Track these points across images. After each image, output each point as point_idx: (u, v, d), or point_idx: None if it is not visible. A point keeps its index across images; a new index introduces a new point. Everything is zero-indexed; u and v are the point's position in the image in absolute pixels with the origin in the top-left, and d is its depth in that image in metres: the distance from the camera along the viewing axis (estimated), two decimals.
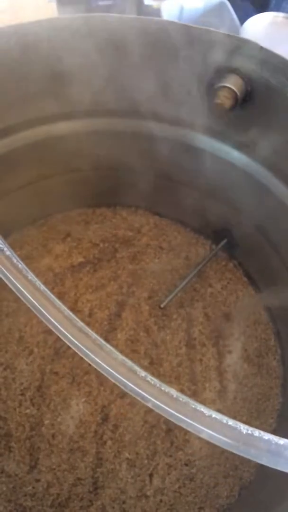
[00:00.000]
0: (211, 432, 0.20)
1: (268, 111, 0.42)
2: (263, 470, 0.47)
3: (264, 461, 0.20)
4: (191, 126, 0.49)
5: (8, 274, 0.23)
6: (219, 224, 0.60)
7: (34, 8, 0.73)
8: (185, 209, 0.62)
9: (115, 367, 0.22)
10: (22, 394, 0.50)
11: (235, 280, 0.61)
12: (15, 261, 0.23)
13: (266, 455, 0.20)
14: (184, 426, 0.21)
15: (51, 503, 0.45)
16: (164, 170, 0.56)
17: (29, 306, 0.23)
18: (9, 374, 0.51)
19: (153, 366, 0.53)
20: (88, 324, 0.53)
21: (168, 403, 0.21)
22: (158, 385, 0.21)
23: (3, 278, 0.23)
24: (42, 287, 0.23)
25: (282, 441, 0.20)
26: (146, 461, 0.47)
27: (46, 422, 0.49)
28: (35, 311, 0.22)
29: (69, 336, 0.22)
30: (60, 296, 0.57)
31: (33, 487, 0.46)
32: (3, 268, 0.23)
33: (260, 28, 0.69)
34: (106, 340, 0.22)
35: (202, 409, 0.21)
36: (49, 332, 0.52)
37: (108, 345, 0.22)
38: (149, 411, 0.49)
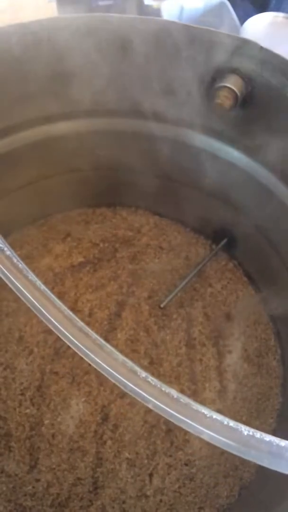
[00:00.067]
0: (211, 433, 0.20)
1: (268, 111, 0.42)
2: (263, 470, 0.47)
3: (265, 463, 0.20)
4: (191, 126, 0.49)
5: (8, 274, 0.23)
6: (219, 224, 0.60)
7: (34, 8, 0.73)
8: (185, 209, 0.62)
9: (116, 367, 0.22)
10: (22, 394, 0.50)
11: (235, 280, 0.61)
12: (15, 260, 0.23)
13: (267, 457, 0.20)
14: (184, 427, 0.21)
15: (51, 503, 0.45)
16: (164, 170, 0.56)
17: (29, 306, 0.23)
18: (9, 374, 0.51)
19: (153, 366, 0.53)
20: (88, 324, 0.53)
21: (168, 404, 0.21)
22: (158, 385, 0.21)
23: (3, 278, 0.23)
24: (42, 287, 0.23)
25: (283, 442, 0.20)
26: (146, 461, 0.47)
27: (46, 422, 0.49)
28: (35, 311, 0.22)
29: (69, 336, 0.22)
30: (60, 296, 0.57)
31: (33, 487, 0.46)
32: (3, 268, 0.23)
33: (260, 28, 0.69)
34: (106, 340, 0.22)
35: (202, 410, 0.21)
36: (49, 332, 0.52)
37: (108, 345, 0.22)
38: (149, 411, 0.49)
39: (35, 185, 0.57)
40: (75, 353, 0.22)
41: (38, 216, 0.64)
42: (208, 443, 0.21)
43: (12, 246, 0.24)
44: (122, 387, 0.21)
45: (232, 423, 0.20)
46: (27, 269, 0.23)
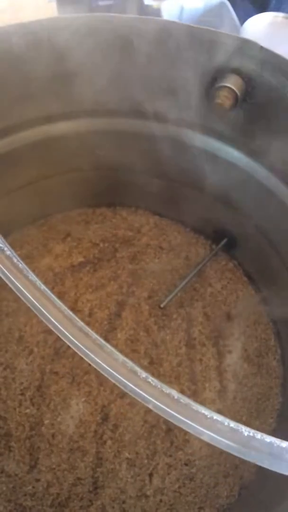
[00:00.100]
0: (212, 434, 0.20)
1: (268, 111, 0.42)
2: (263, 470, 0.47)
3: (265, 464, 0.20)
4: (191, 126, 0.49)
5: (8, 274, 0.23)
6: (219, 224, 0.60)
7: (34, 8, 0.73)
8: (185, 209, 0.62)
9: (116, 367, 0.22)
10: (22, 394, 0.50)
11: (235, 280, 0.61)
12: (15, 260, 0.23)
13: (268, 458, 0.20)
14: (185, 428, 0.21)
15: (51, 502, 0.45)
16: (164, 170, 0.56)
17: (29, 306, 0.23)
18: (9, 373, 0.51)
19: (153, 366, 0.53)
20: (88, 323, 0.53)
21: (169, 404, 0.21)
22: (159, 386, 0.21)
23: (3, 277, 0.23)
24: (43, 286, 0.23)
25: (284, 443, 0.20)
26: (146, 461, 0.47)
27: (46, 422, 0.49)
28: (35, 311, 0.22)
29: (69, 336, 0.22)
30: (60, 295, 0.57)
31: (33, 487, 0.46)
32: (3, 268, 0.23)
33: (260, 28, 0.69)
34: (106, 339, 0.22)
35: (203, 411, 0.21)
36: (49, 331, 0.52)
37: (108, 345, 0.22)
38: (149, 411, 0.49)
39: (35, 185, 0.57)
40: (75, 353, 0.22)
41: (38, 216, 0.64)
42: (208, 443, 0.21)
43: (12, 246, 0.24)
44: (122, 388, 0.21)
45: (232, 424, 0.20)
46: (27, 269, 0.23)
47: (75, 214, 0.66)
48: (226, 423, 0.20)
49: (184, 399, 0.21)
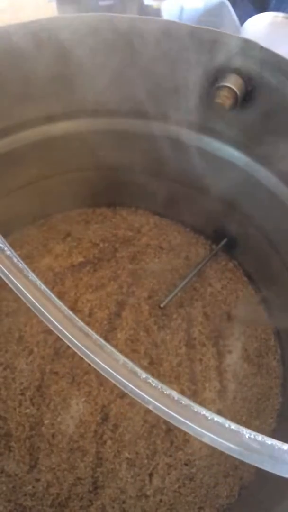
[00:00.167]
0: (212, 436, 0.20)
1: (268, 111, 0.42)
2: (263, 470, 0.47)
3: (267, 467, 0.19)
4: (191, 125, 0.49)
5: (8, 274, 0.23)
6: (219, 224, 0.60)
7: (34, 8, 0.73)
8: (185, 209, 0.62)
9: (116, 368, 0.21)
10: (22, 394, 0.50)
11: (235, 280, 0.61)
12: (15, 260, 0.23)
13: (269, 461, 0.19)
14: (185, 429, 0.20)
15: (51, 502, 0.45)
16: (164, 170, 0.56)
17: (29, 306, 0.23)
18: (9, 373, 0.51)
19: (153, 366, 0.53)
20: (88, 323, 0.53)
21: (169, 405, 0.21)
22: (159, 387, 0.21)
23: (3, 277, 0.23)
24: (43, 286, 0.23)
25: (285, 446, 0.19)
26: (146, 461, 0.47)
27: (46, 421, 0.49)
28: (35, 311, 0.22)
29: (70, 336, 0.22)
30: (60, 295, 0.57)
31: (33, 487, 0.46)
32: (3, 268, 0.23)
33: (260, 28, 0.69)
34: (106, 339, 0.22)
35: (203, 412, 0.20)
36: (49, 331, 0.52)
37: (109, 346, 0.22)
38: (149, 411, 0.49)
39: (35, 185, 0.57)
40: (75, 353, 0.22)
41: (38, 216, 0.64)
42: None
43: (12, 246, 0.24)
44: (122, 388, 0.21)
45: (233, 426, 0.20)
46: (27, 269, 0.23)
47: (75, 214, 0.66)
48: (227, 425, 0.20)
49: (185, 400, 0.21)
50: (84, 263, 0.61)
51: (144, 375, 0.21)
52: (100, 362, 0.22)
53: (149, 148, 0.53)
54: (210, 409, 0.21)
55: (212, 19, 0.74)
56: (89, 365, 0.22)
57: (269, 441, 0.20)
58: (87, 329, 0.22)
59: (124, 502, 0.46)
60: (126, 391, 0.21)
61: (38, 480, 0.46)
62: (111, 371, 0.21)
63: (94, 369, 0.22)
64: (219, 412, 0.50)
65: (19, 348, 0.53)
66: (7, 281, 0.23)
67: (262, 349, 0.56)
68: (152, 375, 0.21)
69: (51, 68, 0.44)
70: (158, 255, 0.63)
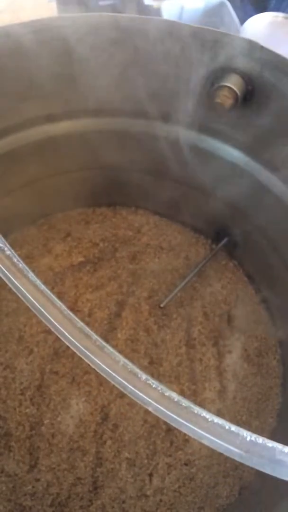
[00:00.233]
0: (212, 438, 0.20)
1: (268, 111, 0.42)
2: None
3: (267, 470, 0.19)
4: (191, 125, 0.49)
5: (8, 274, 0.23)
6: (219, 223, 0.60)
7: (34, 7, 0.72)
8: (185, 209, 0.62)
9: (116, 369, 0.21)
10: (22, 394, 0.50)
11: (235, 280, 0.61)
12: (15, 260, 0.23)
13: (269, 463, 0.19)
14: (185, 431, 0.20)
15: (51, 502, 0.45)
16: (164, 170, 0.56)
17: (29, 306, 0.23)
18: (9, 373, 0.51)
19: (153, 365, 0.53)
20: (88, 323, 0.53)
21: (169, 407, 0.21)
22: (159, 388, 0.21)
23: (3, 277, 0.23)
24: (43, 287, 0.23)
25: (286, 449, 0.19)
26: (146, 461, 0.47)
27: (46, 421, 0.49)
28: (35, 311, 0.22)
29: (69, 336, 0.22)
30: (60, 295, 0.57)
31: (33, 487, 0.46)
32: (3, 268, 0.23)
33: (260, 28, 0.69)
34: (106, 339, 0.22)
35: (203, 414, 0.20)
36: (49, 331, 0.52)
37: (109, 347, 0.22)
38: (149, 411, 0.49)
39: (35, 184, 0.57)
40: (75, 353, 0.22)
41: (38, 215, 0.64)
42: None
43: (12, 245, 0.24)
44: (122, 389, 0.21)
45: (233, 428, 0.20)
46: (27, 268, 0.23)
47: (75, 214, 0.66)
48: (227, 427, 0.20)
49: (185, 402, 0.21)
50: (84, 263, 0.61)
51: (144, 376, 0.21)
52: (100, 363, 0.22)
53: (150, 147, 0.53)
54: (210, 409, 0.21)
55: (212, 19, 0.74)
56: (89, 365, 0.22)
57: (270, 443, 0.19)
58: (87, 330, 0.22)
59: (124, 502, 0.46)
60: (126, 392, 0.21)
61: (38, 480, 0.46)
62: (111, 372, 0.21)
63: (94, 369, 0.22)
64: (219, 412, 0.50)
65: (19, 348, 0.53)
66: (7, 281, 0.23)
67: (262, 349, 0.56)
68: (152, 374, 0.21)
69: (51, 68, 0.44)
70: (158, 255, 0.63)
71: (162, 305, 0.56)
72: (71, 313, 0.22)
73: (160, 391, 0.21)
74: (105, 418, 0.49)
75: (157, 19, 0.42)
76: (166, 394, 0.21)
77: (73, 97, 0.48)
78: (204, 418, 0.20)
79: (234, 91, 0.40)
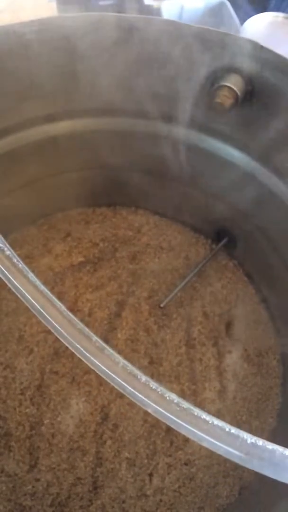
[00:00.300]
0: (212, 440, 0.20)
1: (269, 111, 0.42)
2: None
3: (267, 473, 0.19)
4: (191, 125, 0.49)
5: (8, 274, 0.23)
6: (219, 223, 0.60)
7: (34, 7, 0.72)
8: (185, 209, 0.62)
9: (115, 370, 0.21)
10: (22, 394, 0.50)
11: (235, 280, 0.61)
12: (15, 260, 0.23)
13: (270, 466, 0.19)
14: (185, 433, 0.20)
15: (51, 502, 0.45)
16: (165, 170, 0.56)
17: (28, 306, 0.23)
18: (9, 373, 0.51)
19: (153, 365, 0.53)
20: (87, 323, 0.53)
21: (169, 409, 0.20)
22: (159, 390, 0.21)
23: (3, 277, 0.23)
24: (42, 287, 0.23)
25: (287, 451, 0.19)
26: (146, 461, 0.47)
27: (46, 421, 0.49)
28: (34, 312, 0.22)
29: (69, 337, 0.22)
30: (60, 295, 0.57)
31: (33, 487, 0.46)
32: (3, 268, 0.23)
33: (260, 28, 0.68)
34: (106, 339, 0.22)
35: (203, 416, 0.20)
36: (49, 331, 0.52)
37: (108, 348, 0.22)
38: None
39: (35, 184, 0.57)
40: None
41: (38, 215, 0.64)
42: None
43: (12, 245, 0.24)
44: (121, 391, 0.21)
45: (234, 430, 0.20)
46: (27, 269, 0.23)
47: (75, 214, 0.66)
48: (227, 429, 0.20)
49: (185, 404, 0.20)
50: (84, 263, 0.61)
51: (143, 378, 0.21)
52: (100, 365, 0.21)
53: (150, 147, 0.53)
54: (210, 409, 0.21)
55: (212, 19, 0.74)
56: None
57: (270, 446, 0.19)
58: (87, 331, 0.22)
59: (124, 502, 0.46)
60: (125, 393, 0.21)
61: (38, 479, 0.46)
62: (110, 373, 0.21)
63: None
64: (219, 412, 0.50)
65: (19, 348, 0.53)
66: (6, 281, 0.23)
67: (262, 349, 0.56)
68: (152, 374, 0.21)
69: (51, 67, 0.44)
70: (158, 255, 0.63)
71: (162, 305, 0.56)
72: (70, 314, 0.22)
73: (160, 393, 0.21)
74: (105, 418, 0.49)
75: (158, 19, 0.42)
76: (166, 395, 0.21)
77: (73, 97, 0.48)
78: (204, 420, 0.20)
79: (234, 91, 0.40)
